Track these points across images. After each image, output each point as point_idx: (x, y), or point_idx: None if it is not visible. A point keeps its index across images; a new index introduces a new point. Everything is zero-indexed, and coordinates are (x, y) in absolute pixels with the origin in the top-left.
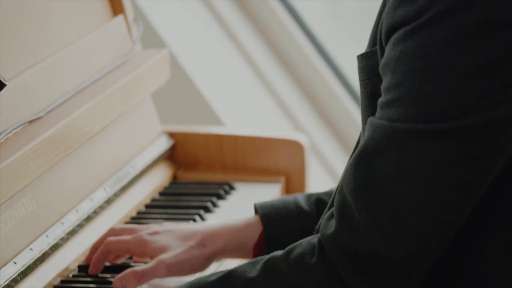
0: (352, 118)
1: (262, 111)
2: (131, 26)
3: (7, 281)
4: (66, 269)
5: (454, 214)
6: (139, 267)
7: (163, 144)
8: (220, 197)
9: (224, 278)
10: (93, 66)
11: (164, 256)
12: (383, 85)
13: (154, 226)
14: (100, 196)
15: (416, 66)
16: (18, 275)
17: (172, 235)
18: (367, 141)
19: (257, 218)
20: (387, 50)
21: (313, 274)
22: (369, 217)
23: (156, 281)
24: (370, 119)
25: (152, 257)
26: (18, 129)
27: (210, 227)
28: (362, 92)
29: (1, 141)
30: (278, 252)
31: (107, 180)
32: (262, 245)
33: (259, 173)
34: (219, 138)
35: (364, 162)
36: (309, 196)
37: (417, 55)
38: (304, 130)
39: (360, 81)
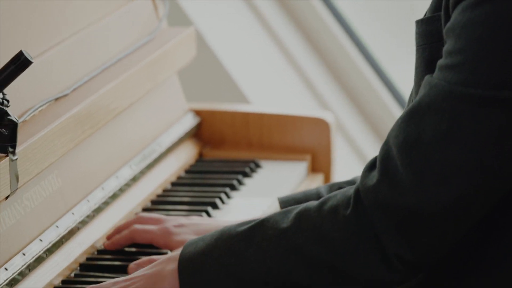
0: (378, 97)
1: (288, 89)
2: (158, 4)
3: (33, 259)
4: (92, 246)
5: (499, 182)
6: (157, 256)
7: (189, 122)
8: (246, 175)
9: (255, 227)
10: (119, 44)
11: None
12: (445, 48)
13: (181, 219)
14: (126, 173)
15: (482, 35)
16: (44, 252)
17: (196, 229)
18: (422, 98)
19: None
20: (454, 15)
21: (347, 226)
22: (413, 173)
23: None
24: (428, 77)
25: (173, 249)
26: (44, 107)
27: (235, 222)
28: (418, 57)
29: (28, 118)
30: (312, 203)
31: (133, 157)
32: None
33: (285, 151)
34: (245, 116)
35: (416, 117)
36: (331, 186)
37: (484, 25)
38: (330, 108)
39: (417, 46)
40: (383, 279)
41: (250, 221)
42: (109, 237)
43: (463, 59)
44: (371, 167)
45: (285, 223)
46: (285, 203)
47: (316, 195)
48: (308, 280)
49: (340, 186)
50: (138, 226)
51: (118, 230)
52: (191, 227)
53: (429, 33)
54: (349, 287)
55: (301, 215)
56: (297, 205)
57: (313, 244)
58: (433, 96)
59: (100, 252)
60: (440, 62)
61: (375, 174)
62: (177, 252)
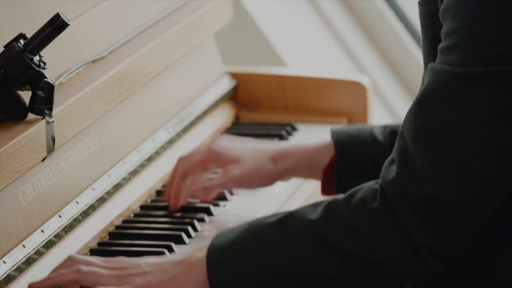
0: (414, 60)
1: (324, 52)
2: None
3: (70, 220)
4: (128, 209)
5: None
6: (208, 183)
7: (225, 85)
8: (282, 138)
9: (285, 219)
10: (156, 7)
11: (234, 172)
12: (443, 31)
13: (223, 141)
14: (162, 136)
15: (475, 10)
16: (80, 214)
17: (244, 146)
18: (428, 86)
19: (330, 142)
20: None
21: (375, 219)
22: (430, 162)
23: (218, 219)
24: (431, 64)
25: (223, 166)
26: (81, 69)
27: (284, 145)
28: (423, 38)
29: (64, 80)
30: (340, 196)
31: (169, 120)
32: (333, 169)
33: (321, 114)
34: (282, 79)
35: (424, 106)
36: (385, 127)
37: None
38: (367, 72)
39: (421, 27)
40: (413, 271)
41: (279, 213)
42: (167, 197)
43: (461, 38)
44: (391, 161)
45: (315, 215)
46: (337, 134)
47: (369, 133)
48: (337, 272)
49: (393, 129)
50: (183, 157)
51: (170, 183)
52: (239, 145)
53: (430, 13)
54: (378, 278)
55: (330, 207)
56: (325, 200)
57: (342, 236)
58: (438, 82)
59: (136, 215)
60: (441, 45)
61: (394, 168)
62: (207, 242)
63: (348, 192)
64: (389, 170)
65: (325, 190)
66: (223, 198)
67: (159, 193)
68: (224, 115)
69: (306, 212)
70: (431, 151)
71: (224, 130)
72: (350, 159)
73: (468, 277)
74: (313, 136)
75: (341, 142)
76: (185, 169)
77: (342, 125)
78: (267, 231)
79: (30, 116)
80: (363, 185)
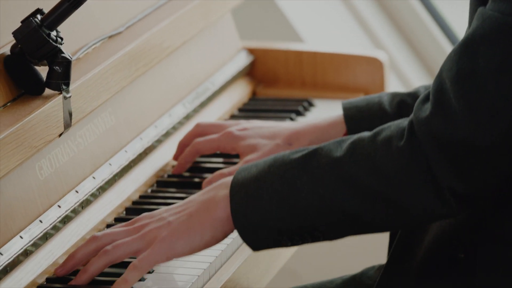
0: (431, 36)
1: (341, 28)
2: None
3: (86, 196)
4: (145, 184)
5: None
6: (227, 169)
7: (242, 60)
8: (299, 113)
9: (309, 156)
10: None
11: (251, 157)
12: None
13: (242, 123)
14: (179, 111)
15: None
16: (97, 190)
17: (260, 132)
18: (475, 30)
19: (342, 118)
20: None
21: (400, 157)
22: (466, 105)
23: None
24: (481, 9)
25: (241, 154)
26: (98, 44)
27: (297, 126)
28: None
29: (81, 56)
30: (366, 133)
31: (186, 96)
32: None
33: (338, 90)
34: (299, 54)
35: (469, 49)
36: (393, 97)
37: None
38: (384, 47)
39: None
40: (434, 212)
41: (304, 149)
42: (175, 157)
43: None
44: (425, 99)
45: (339, 152)
46: (347, 109)
47: (378, 106)
48: (359, 210)
49: (401, 98)
50: (200, 139)
51: (181, 145)
52: (255, 129)
53: None
54: (400, 218)
55: (355, 145)
56: (351, 135)
57: (366, 174)
58: (486, 28)
59: (153, 190)
60: None
61: (428, 107)
62: (230, 178)
63: (374, 130)
64: (423, 108)
65: None
66: None
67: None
68: (241, 91)
69: (330, 149)
70: (469, 95)
71: (241, 106)
72: None
73: (488, 230)
74: (330, 112)
75: (351, 118)
76: (200, 147)
77: (352, 99)
78: (291, 167)
79: (47, 91)
80: (389, 123)
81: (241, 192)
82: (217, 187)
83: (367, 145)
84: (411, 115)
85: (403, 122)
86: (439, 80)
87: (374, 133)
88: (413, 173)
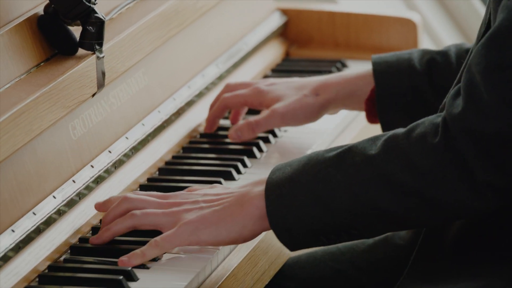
0: None
1: None
2: None
3: (119, 156)
4: (177, 144)
5: None
6: (253, 117)
7: (275, 21)
8: None
9: (343, 154)
10: None
11: (277, 105)
12: None
13: (270, 79)
14: (212, 72)
15: None
16: (130, 150)
17: (287, 85)
18: (502, 22)
19: (370, 72)
20: None
21: (435, 154)
22: (498, 98)
23: (269, 155)
24: (505, 1)
25: (268, 107)
26: (131, 5)
27: (324, 77)
28: None
29: (115, 16)
30: (400, 130)
31: (219, 56)
32: (374, 101)
33: (371, 51)
34: (332, 15)
35: (497, 42)
36: (424, 54)
37: None
38: (417, 9)
39: None
40: (470, 207)
41: (337, 148)
42: (208, 119)
43: None
44: (456, 95)
45: (373, 150)
46: (377, 64)
47: (408, 62)
48: (395, 207)
49: (432, 56)
50: (228, 94)
51: (212, 106)
52: (283, 84)
53: None
54: (437, 214)
55: (389, 142)
56: (384, 133)
57: (401, 171)
58: None
59: (185, 150)
60: None
61: (460, 102)
62: (265, 177)
63: (408, 127)
64: (455, 104)
65: (370, 120)
66: (267, 140)
67: None
68: (274, 52)
69: (364, 147)
70: (500, 87)
71: (274, 67)
72: (390, 90)
73: None
74: None
75: (380, 73)
76: (227, 101)
77: (382, 54)
78: (325, 166)
79: (81, 51)
80: (423, 119)
81: (276, 192)
82: (253, 184)
83: (401, 142)
84: (444, 112)
85: (437, 118)
86: (469, 75)
87: (408, 130)
88: (449, 169)
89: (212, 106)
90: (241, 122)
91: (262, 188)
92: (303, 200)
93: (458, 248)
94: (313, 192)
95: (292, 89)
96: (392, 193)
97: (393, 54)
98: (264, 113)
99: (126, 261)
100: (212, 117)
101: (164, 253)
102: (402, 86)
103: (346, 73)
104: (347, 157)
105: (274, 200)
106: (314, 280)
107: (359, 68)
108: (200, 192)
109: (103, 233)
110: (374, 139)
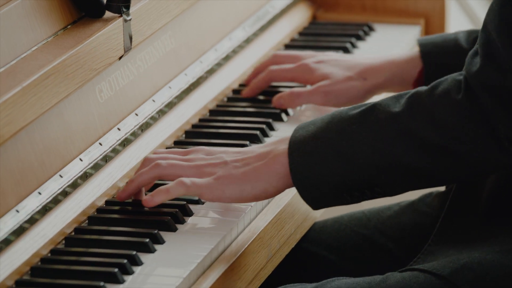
0: None
1: None
2: None
3: (146, 119)
4: (204, 107)
5: None
6: (297, 88)
7: None
8: (359, 38)
9: (367, 112)
10: None
11: (323, 83)
12: None
13: (319, 56)
14: (240, 35)
15: None
16: (157, 113)
17: (336, 64)
18: None
19: (418, 54)
20: None
21: (459, 110)
22: None
23: (295, 119)
24: None
25: (313, 84)
26: None
27: (373, 61)
28: None
29: None
30: (423, 88)
31: (246, 19)
32: (422, 82)
33: (399, 14)
34: None
35: None
36: (470, 34)
37: None
38: None
39: None
40: (494, 162)
41: (361, 105)
42: (247, 81)
43: None
44: (474, 54)
45: (397, 107)
46: (423, 46)
47: (454, 42)
48: (419, 163)
49: (478, 34)
50: (275, 67)
51: (256, 71)
52: (331, 62)
53: None
54: (460, 170)
55: (413, 99)
56: (407, 91)
57: (425, 127)
58: None
59: (212, 113)
60: None
61: (478, 60)
62: (288, 135)
63: (431, 84)
64: (473, 62)
65: None
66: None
67: (236, 92)
68: (301, 15)
69: (388, 104)
70: None
71: (301, 30)
72: (438, 70)
73: None
74: (391, 36)
75: (428, 54)
76: (274, 75)
77: (428, 36)
78: (350, 124)
79: (107, 14)
80: (446, 77)
81: (299, 150)
82: (277, 142)
83: (425, 99)
84: (463, 70)
85: (459, 75)
86: (485, 33)
87: (431, 87)
88: (472, 124)
89: (255, 71)
90: (286, 91)
91: (285, 145)
92: (326, 157)
93: (486, 214)
94: (336, 148)
95: (340, 69)
96: (416, 149)
97: (438, 35)
98: (309, 87)
99: (149, 199)
100: (255, 86)
101: (191, 216)
102: (450, 65)
103: (393, 56)
104: (371, 115)
105: (298, 157)
106: (340, 245)
107: (389, 37)
108: (220, 149)
109: (128, 185)
110: (397, 96)
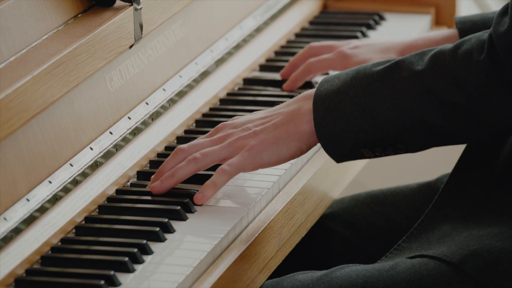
0: None
1: None
2: None
3: (156, 108)
4: (215, 96)
5: None
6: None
7: None
8: (370, 27)
9: (391, 68)
10: None
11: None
12: None
13: (353, 41)
14: (250, 24)
15: None
16: (167, 102)
17: (372, 48)
18: None
19: (456, 32)
20: None
21: (481, 70)
22: None
23: None
24: None
25: None
26: None
27: (409, 39)
28: None
29: None
30: (447, 46)
31: (257, 8)
32: None
33: (409, 3)
34: None
35: None
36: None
37: None
38: None
39: None
40: None
41: (385, 62)
42: (283, 75)
43: None
44: (504, 13)
45: (420, 65)
46: (461, 23)
47: (492, 19)
48: (441, 122)
49: None
50: (313, 59)
51: (292, 65)
52: (367, 47)
53: None
54: (481, 130)
55: (436, 58)
56: (432, 48)
57: (447, 87)
58: None
59: (223, 101)
60: None
61: (506, 21)
62: (313, 90)
63: (455, 43)
64: (501, 22)
65: None
66: (310, 86)
67: (246, 81)
68: (312, 4)
69: (412, 62)
70: None
71: (311, 19)
72: None
73: None
74: (402, 25)
75: (466, 32)
76: (312, 67)
77: (466, 15)
78: (373, 80)
79: (118, 3)
80: (470, 36)
81: (323, 105)
82: (301, 99)
83: (448, 58)
84: (491, 29)
85: (484, 34)
86: None
87: (455, 46)
88: (494, 86)
89: (291, 64)
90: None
91: (310, 102)
92: (350, 113)
93: (499, 182)
94: (360, 105)
95: (377, 52)
96: (438, 108)
97: (477, 14)
98: None
99: (200, 197)
100: (295, 79)
101: (201, 205)
102: None
103: (431, 34)
104: (394, 72)
105: (322, 112)
106: (355, 221)
107: (400, 26)
108: (244, 119)
109: (167, 180)
110: (421, 53)
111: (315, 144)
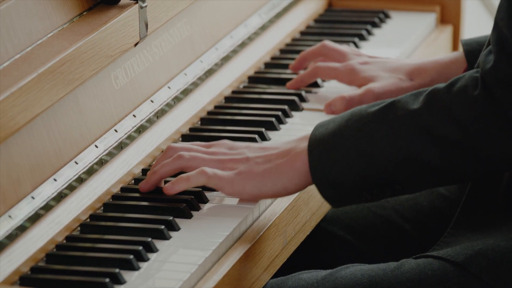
0: None
1: None
2: None
3: (161, 106)
4: (220, 94)
5: None
6: (347, 93)
7: None
8: (375, 25)
9: (386, 109)
10: None
11: (373, 85)
12: None
13: (363, 57)
14: (255, 22)
15: None
16: (172, 100)
17: (381, 66)
18: None
19: (462, 54)
20: None
21: (476, 105)
22: None
23: (311, 107)
24: None
25: (359, 86)
26: None
27: (418, 61)
28: None
29: None
30: (440, 85)
31: (262, 6)
32: None
33: (414, 2)
34: None
35: None
36: None
37: None
38: None
39: None
40: (510, 156)
41: (380, 103)
42: (292, 68)
43: None
44: (488, 52)
45: (416, 104)
46: (467, 45)
47: None
48: (438, 160)
49: None
50: (322, 64)
51: (301, 59)
52: (376, 64)
53: None
54: (479, 166)
55: (431, 96)
56: (426, 88)
57: (443, 124)
58: None
59: (227, 99)
60: None
61: (491, 58)
62: (309, 133)
63: (450, 81)
64: (487, 60)
65: None
66: (316, 85)
67: (251, 79)
68: (317, 2)
69: (407, 101)
70: None
71: (317, 17)
72: None
73: None
74: (406, 24)
75: (471, 53)
76: (319, 71)
77: (471, 37)
78: (368, 121)
79: (123, 1)
80: (464, 74)
81: (318, 147)
82: (298, 140)
83: (443, 95)
84: (479, 69)
85: (476, 72)
86: (497, 31)
87: (449, 83)
88: (490, 120)
89: (301, 57)
90: (336, 97)
91: (306, 143)
92: (346, 154)
93: (504, 202)
94: (356, 146)
95: (386, 71)
96: (435, 146)
97: (481, 36)
98: (359, 90)
99: (170, 187)
100: (300, 79)
101: (206, 203)
102: None
103: (439, 57)
104: (390, 112)
105: (317, 154)
106: (357, 225)
107: (405, 25)
108: (243, 144)
109: (151, 177)
110: (416, 94)
111: (304, 187)
